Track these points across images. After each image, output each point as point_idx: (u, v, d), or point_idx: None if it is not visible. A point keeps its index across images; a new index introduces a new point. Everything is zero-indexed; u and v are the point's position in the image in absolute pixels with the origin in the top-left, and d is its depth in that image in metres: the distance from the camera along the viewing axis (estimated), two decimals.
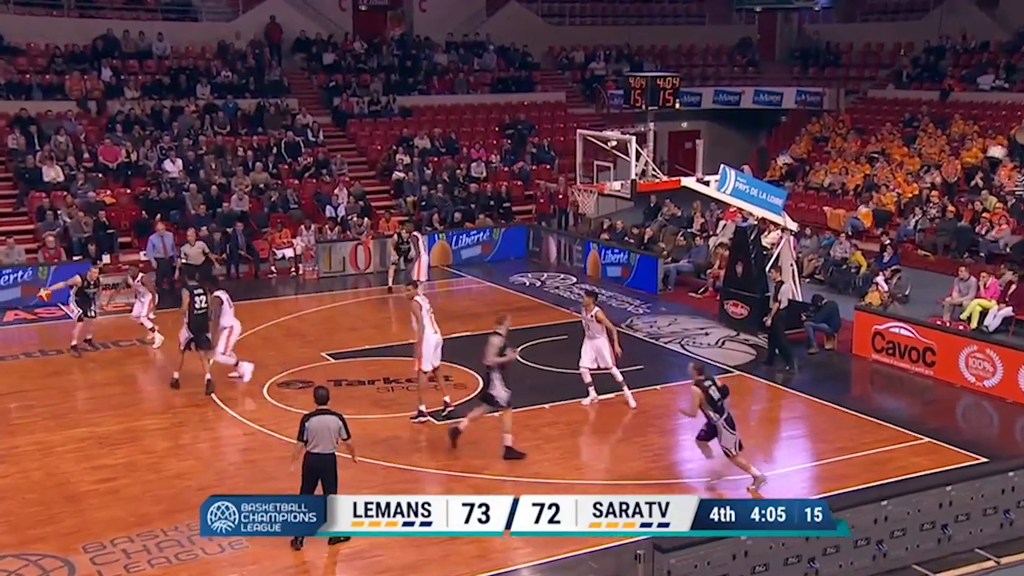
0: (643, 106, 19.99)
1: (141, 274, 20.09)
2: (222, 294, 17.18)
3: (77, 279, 19.33)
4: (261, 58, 33.72)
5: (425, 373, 15.35)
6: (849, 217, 27.07)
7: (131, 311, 20.06)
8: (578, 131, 21.25)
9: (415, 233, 24.34)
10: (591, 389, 16.36)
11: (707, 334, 20.81)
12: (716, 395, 13.15)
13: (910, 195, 27.56)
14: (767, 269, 21.16)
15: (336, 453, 11.25)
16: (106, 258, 24.99)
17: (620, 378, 16.27)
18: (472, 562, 11.16)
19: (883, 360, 18.65)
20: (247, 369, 17.14)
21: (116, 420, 15.58)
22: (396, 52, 36.07)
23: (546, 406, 16.47)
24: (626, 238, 27.13)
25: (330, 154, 30.94)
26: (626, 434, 15.37)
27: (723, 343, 20.27)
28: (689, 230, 27.28)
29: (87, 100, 30.31)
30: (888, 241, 24.32)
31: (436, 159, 31.79)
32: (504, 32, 38.12)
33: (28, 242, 25.13)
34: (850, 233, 25.90)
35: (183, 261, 23.41)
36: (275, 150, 30.43)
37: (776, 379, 17.83)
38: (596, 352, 16.13)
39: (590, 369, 16.26)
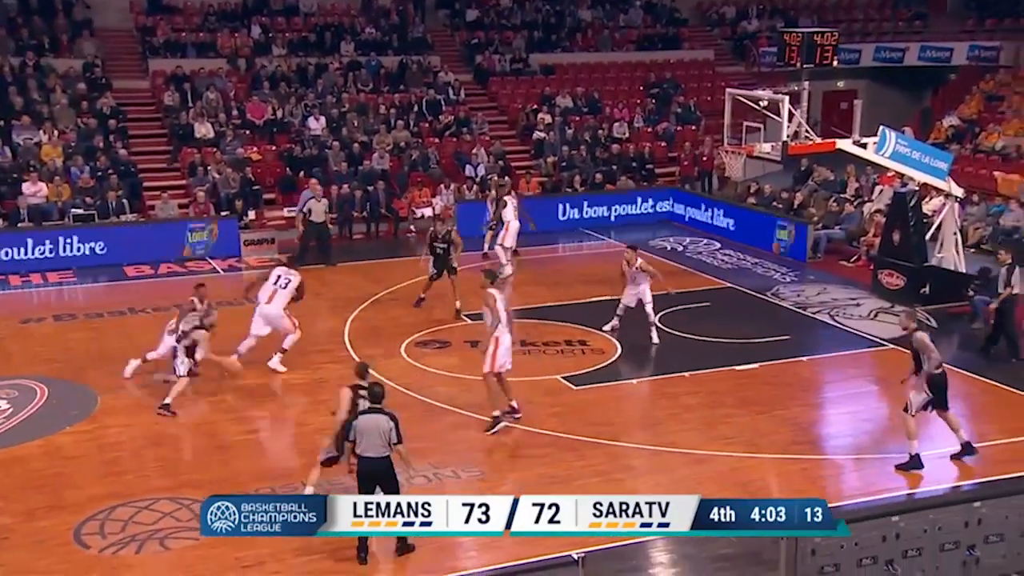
0: (798, 64, 19.47)
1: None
2: None
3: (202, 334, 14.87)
4: (404, 14, 34.10)
5: (496, 376, 13.90)
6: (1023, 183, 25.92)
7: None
8: (727, 90, 20.88)
9: (507, 196, 22.64)
10: (616, 319, 17.73)
11: (858, 305, 20.33)
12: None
13: None
14: (928, 238, 20.52)
15: (390, 457, 10.62)
16: (251, 214, 25.81)
17: (653, 318, 17.44)
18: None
19: None
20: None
21: (258, 377, 16.12)
22: (540, 8, 35.97)
23: (686, 374, 16.49)
24: (774, 203, 26.59)
25: (471, 112, 31.14)
26: (769, 406, 15.20)
27: (876, 315, 19.75)
28: (842, 195, 26.56)
29: (236, 57, 31.23)
30: None
31: (578, 119, 31.68)
32: None
33: (180, 197, 26.15)
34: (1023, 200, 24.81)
35: (308, 218, 23.32)
36: (416, 108, 30.79)
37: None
38: (638, 296, 17.39)
39: (629, 307, 17.53)
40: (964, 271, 20.16)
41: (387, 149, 28.53)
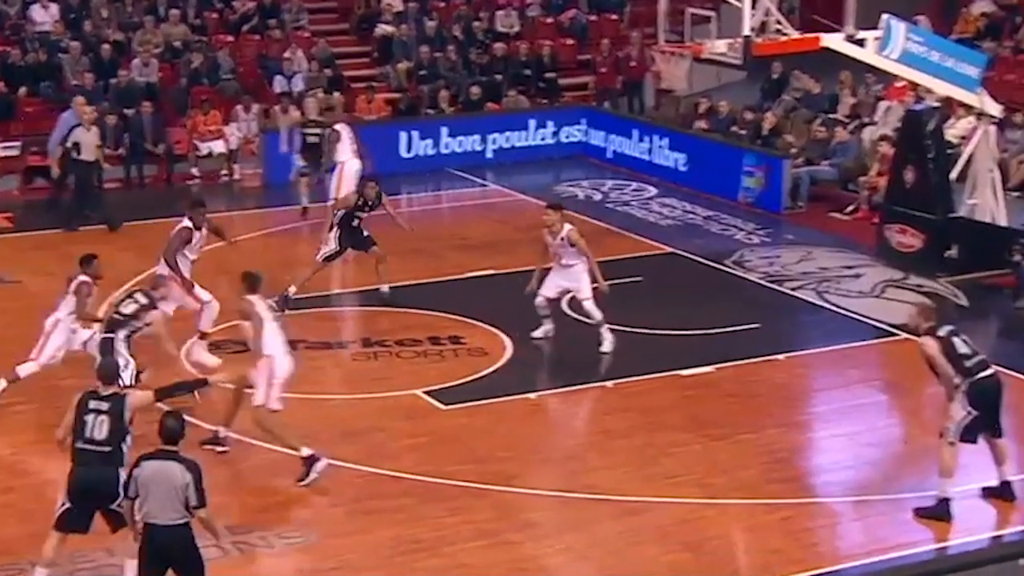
0: None
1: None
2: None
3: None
4: None
5: (272, 411, 14.08)
6: None
7: None
8: None
9: (336, 125, 22.58)
10: (546, 320, 17.56)
11: (858, 276, 20.64)
12: (963, 346, 13.18)
13: None
14: (955, 178, 20.96)
15: (190, 524, 10.54)
16: None
17: (598, 316, 17.32)
18: None
19: None
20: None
21: None
22: None
23: (609, 384, 16.50)
24: (734, 128, 26.89)
25: None
26: (731, 428, 15.26)
27: (883, 290, 20.10)
28: (832, 116, 26.95)
29: None
30: None
31: (443, 4, 31.55)
32: None
33: None
34: None
35: (72, 153, 23.15)
36: None
37: None
38: (568, 280, 17.35)
39: (550, 299, 17.54)
40: (1006, 224, 20.57)
41: (154, 52, 28.01)
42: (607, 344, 17.34)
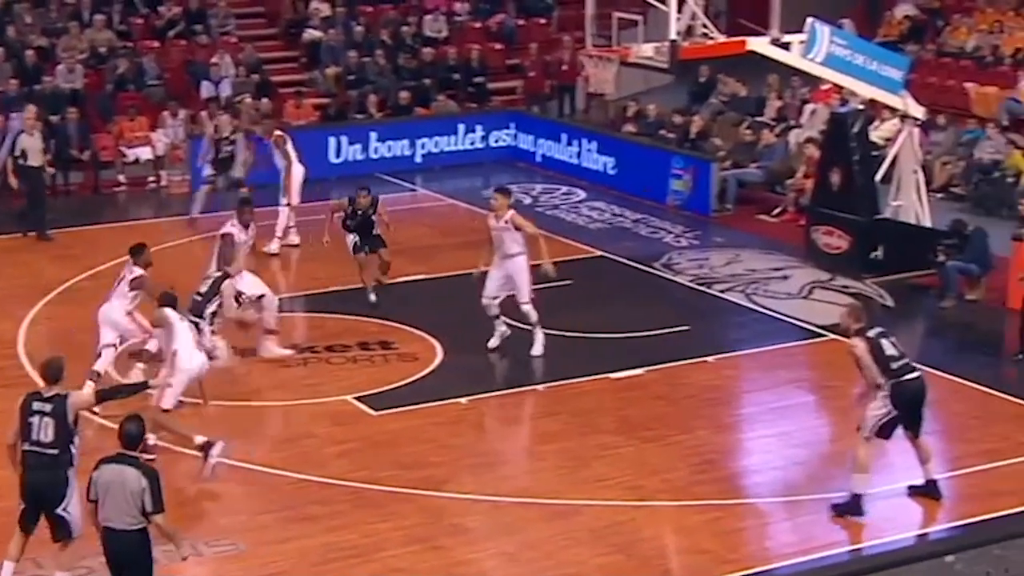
0: None
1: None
2: None
3: None
4: None
5: (166, 411, 14.26)
6: (1005, 99, 26.94)
7: None
8: None
9: (278, 131, 22.73)
10: (499, 323, 17.42)
11: (786, 278, 20.80)
12: (891, 348, 13.30)
13: None
14: (880, 179, 21.16)
15: (146, 529, 10.58)
16: None
17: (534, 318, 17.33)
18: None
19: None
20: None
21: None
22: None
23: (540, 387, 16.60)
24: (662, 131, 27.02)
25: (208, 2, 30.67)
26: (662, 430, 15.38)
27: (811, 291, 20.27)
28: (759, 119, 27.14)
29: None
30: None
31: (371, 9, 31.51)
32: None
33: None
34: (1006, 123, 25.78)
35: (19, 160, 22.80)
36: None
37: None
38: (508, 277, 17.17)
39: (495, 299, 17.32)
40: (930, 225, 20.80)
41: (79, 58, 27.81)
42: (538, 347, 17.38)
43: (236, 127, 23.72)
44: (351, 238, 19.24)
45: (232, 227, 17.67)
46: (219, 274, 16.18)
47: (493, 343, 17.52)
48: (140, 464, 10.61)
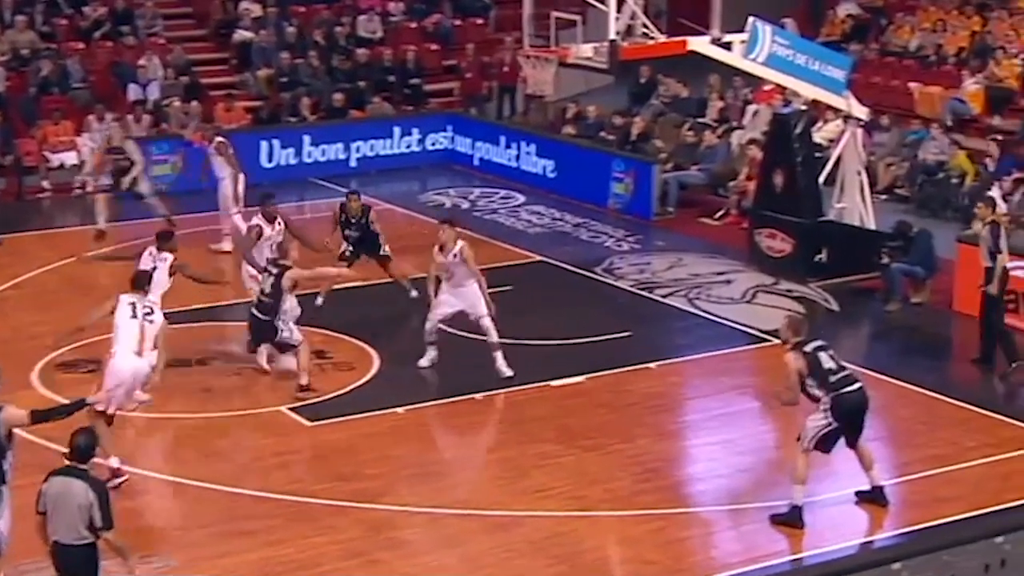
0: None
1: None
2: None
3: None
4: None
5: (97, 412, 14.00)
6: (949, 99, 27.11)
7: None
8: None
9: (220, 137, 22.65)
10: (432, 348, 17.26)
11: (729, 282, 20.82)
12: (829, 362, 13.28)
13: None
14: (823, 181, 21.22)
15: (95, 544, 10.51)
16: None
17: (494, 338, 17.02)
18: None
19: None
20: None
21: None
22: None
23: (478, 396, 16.50)
24: (602, 133, 26.98)
25: (135, 3, 30.42)
26: (603, 438, 15.33)
27: (753, 295, 20.28)
28: (700, 120, 27.18)
29: None
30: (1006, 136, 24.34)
31: (303, 9, 31.39)
32: None
33: None
34: (950, 123, 25.95)
35: None
36: None
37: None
38: (462, 301, 16.96)
39: (442, 322, 17.24)
40: (874, 227, 20.88)
41: (1, 60, 27.52)
42: (503, 365, 16.97)
43: (125, 136, 23.48)
44: (344, 245, 19.35)
45: (258, 220, 18.16)
46: (276, 270, 16.46)
47: (423, 363, 17.27)
48: (88, 477, 10.51)
